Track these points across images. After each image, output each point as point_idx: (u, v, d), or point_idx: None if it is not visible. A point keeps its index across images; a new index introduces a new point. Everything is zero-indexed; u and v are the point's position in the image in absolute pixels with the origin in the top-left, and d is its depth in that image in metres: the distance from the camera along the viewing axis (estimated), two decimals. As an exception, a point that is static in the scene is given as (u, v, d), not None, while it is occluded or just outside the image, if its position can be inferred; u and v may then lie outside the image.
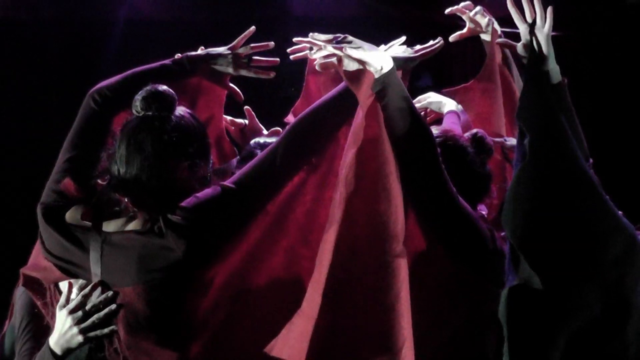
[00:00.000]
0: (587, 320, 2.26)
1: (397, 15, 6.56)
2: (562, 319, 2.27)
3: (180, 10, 6.70)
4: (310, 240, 2.35)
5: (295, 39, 2.86)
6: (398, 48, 2.63)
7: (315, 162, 2.36)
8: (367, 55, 2.36)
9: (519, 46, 2.64)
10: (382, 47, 2.67)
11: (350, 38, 2.43)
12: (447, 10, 3.04)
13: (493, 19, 3.01)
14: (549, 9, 2.64)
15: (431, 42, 2.68)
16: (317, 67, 2.51)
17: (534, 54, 2.55)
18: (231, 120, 3.08)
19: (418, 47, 2.65)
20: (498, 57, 2.98)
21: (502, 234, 2.50)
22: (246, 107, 3.15)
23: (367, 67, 2.36)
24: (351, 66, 2.39)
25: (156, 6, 6.72)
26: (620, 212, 2.37)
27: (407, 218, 2.35)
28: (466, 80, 6.47)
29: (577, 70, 6.87)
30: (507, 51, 3.02)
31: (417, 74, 6.88)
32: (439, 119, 3.28)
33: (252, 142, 2.88)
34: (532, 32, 2.58)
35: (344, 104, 2.40)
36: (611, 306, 2.27)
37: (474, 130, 2.80)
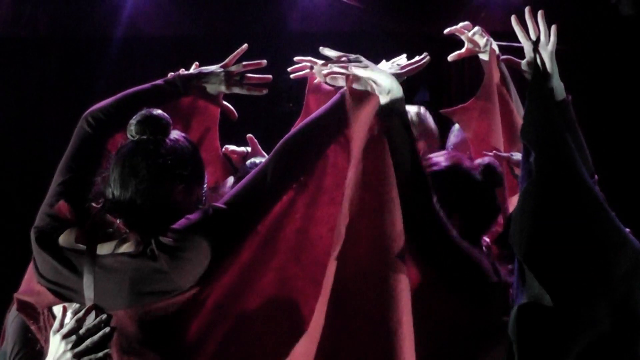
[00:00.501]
0: (597, 337, 2.24)
1: (395, 31, 6.57)
2: (572, 336, 2.25)
3: (177, 27, 6.71)
4: (300, 259, 2.34)
5: (296, 58, 2.87)
6: (384, 64, 2.64)
7: (304, 180, 2.35)
8: (375, 76, 2.35)
9: (523, 63, 2.64)
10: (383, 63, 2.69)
11: (360, 58, 2.43)
12: (446, 30, 3.03)
13: (491, 39, 3.01)
14: (553, 27, 2.64)
15: (417, 58, 2.62)
16: (326, 80, 2.49)
17: (538, 71, 2.54)
18: (232, 150, 3.07)
19: (404, 63, 2.63)
20: (496, 77, 2.97)
21: (509, 266, 2.49)
22: (249, 135, 3.14)
23: (375, 88, 2.34)
24: (359, 85, 2.38)
25: (153, 23, 6.74)
26: (627, 229, 2.37)
27: (407, 254, 2.32)
28: (463, 96, 6.51)
29: (571, 82, 6.91)
30: (505, 71, 3.02)
31: (414, 89, 6.93)
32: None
33: (248, 162, 2.87)
34: (536, 49, 2.58)
35: (333, 121, 2.39)
36: (620, 321, 2.25)
37: (486, 160, 2.75)
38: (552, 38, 2.59)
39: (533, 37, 2.60)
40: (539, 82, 2.52)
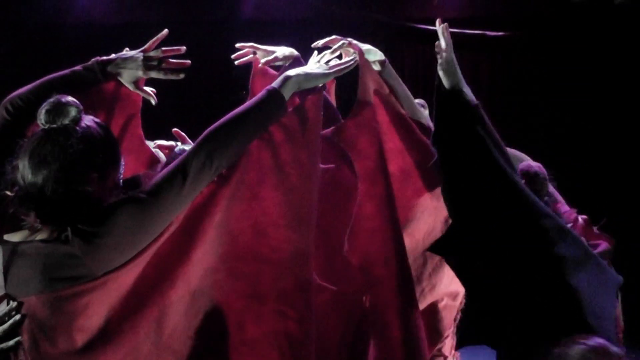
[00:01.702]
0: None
1: (347, 18, 6.60)
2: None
3: (131, 14, 6.67)
4: (220, 253, 2.35)
5: (238, 45, 2.87)
6: (313, 64, 2.66)
7: (225, 174, 2.35)
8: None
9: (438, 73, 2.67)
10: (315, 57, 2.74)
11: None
12: (314, 44, 2.89)
13: (362, 50, 2.87)
14: (442, 29, 2.68)
15: (346, 59, 2.66)
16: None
17: (444, 78, 2.64)
18: (160, 145, 3.05)
19: (333, 62, 2.65)
20: (372, 88, 2.83)
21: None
22: (174, 129, 3.12)
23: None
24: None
25: (105, 9, 6.69)
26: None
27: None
28: (416, 78, 6.55)
29: (527, 68, 7.00)
30: (390, 78, 2.89)
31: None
32: None
33: (176, 149, 2.85)
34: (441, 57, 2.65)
35: (258, 117, 2.42)
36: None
37: (532, 164, 2.82)
38: (443, 44, 2.65)
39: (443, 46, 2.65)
40: (443, 86, 2.64)
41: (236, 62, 2.89)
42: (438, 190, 2.68)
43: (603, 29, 6.67)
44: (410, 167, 2.79)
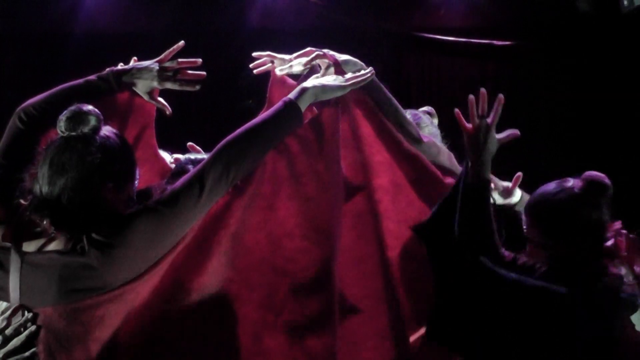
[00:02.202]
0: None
1: (354, 27, 6.60)
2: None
3: (138, 23, 6.68)
4: (235, 264, 2.35)
5: (255, 54, 2.85)
6: (329, 77, 2.63)
7: (241, 185, 2.35)
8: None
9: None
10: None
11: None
12: (289, 57, 2.84)
13: (338, 61, 2.80)
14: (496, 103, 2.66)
15: (362, 72, 2.62)
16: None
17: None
18: (176, 158, 3.05)
19: (349, 75, 2.62)
20: (351, 98, 2.68)
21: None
22: (190, 143, 3.12)
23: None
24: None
25: (111, 18, 6.70)
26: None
27: None
28: (423, 88, 6.55)
29: (529, 76, 6.99)
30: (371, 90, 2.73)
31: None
32: None
33: (183, 157, 2.85)
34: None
35: (273, 129, 2.42)
36: None
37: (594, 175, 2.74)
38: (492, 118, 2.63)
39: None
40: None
41: (255, 71, 2.87)
42: (432, 201, 2.65)
43: (610, 38, 6.67)
44: (401, 179, 2.73)
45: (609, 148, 6.62)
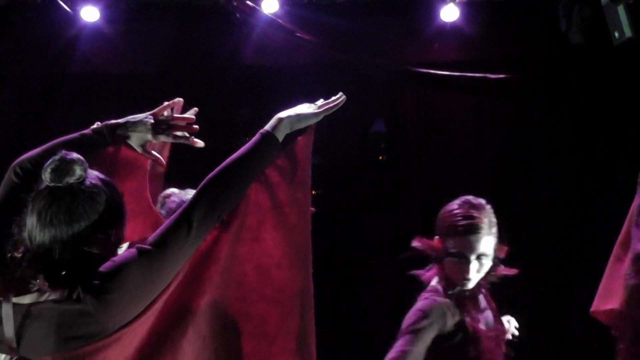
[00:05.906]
0: None
1: (349, 63, 6.63)
2: None
3: (132, 63, 6.71)
4: (227, 296, 2.39)
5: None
6: (302, 105, 2.65)
7: (227, 220, 2.39)
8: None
9: None
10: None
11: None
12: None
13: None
14: None
15: (334, 98, 2.66)
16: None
17: None
18: (170, 193, 3.04)
19: (320, 102, 2.66)
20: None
21: None
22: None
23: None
24: None
25: (107, 58, 6.73)
26: None
27: None
28: (419, 124, 6.56)
29: (522, 109, 7.03)
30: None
31: (371, 120, 6.98)
32: None
33: (164, 193, 2.85)
34: None
35: (254, 161, 2.47)
36: None
37: None
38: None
39: None
40: None
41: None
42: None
43: (603, 70, 6.71)
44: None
45: (605, 178, 6.63)
